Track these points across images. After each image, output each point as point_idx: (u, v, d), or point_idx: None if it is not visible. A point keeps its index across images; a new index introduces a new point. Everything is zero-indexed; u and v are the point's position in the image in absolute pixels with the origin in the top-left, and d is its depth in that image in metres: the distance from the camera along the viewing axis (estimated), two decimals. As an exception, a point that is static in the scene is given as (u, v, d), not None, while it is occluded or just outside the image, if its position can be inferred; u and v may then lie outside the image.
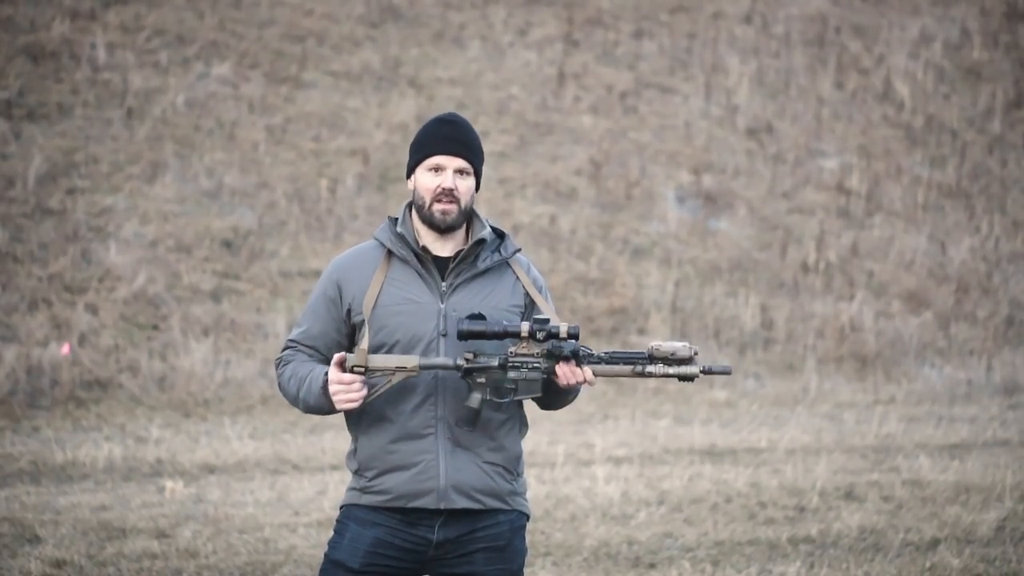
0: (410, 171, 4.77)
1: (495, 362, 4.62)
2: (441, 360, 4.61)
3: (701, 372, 4.63)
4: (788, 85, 23.72)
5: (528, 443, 12.36)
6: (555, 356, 4.62)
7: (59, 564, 8.62)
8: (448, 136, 4.73)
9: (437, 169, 4.70)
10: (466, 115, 20.93)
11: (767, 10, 24.92)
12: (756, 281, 19.94)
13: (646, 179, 21.23)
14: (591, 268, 19.38)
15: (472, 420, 4.64)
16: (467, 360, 4.61)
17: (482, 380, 4.62)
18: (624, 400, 16.47)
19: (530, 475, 11.63)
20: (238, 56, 20.81)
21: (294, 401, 4.75)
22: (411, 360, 4.60)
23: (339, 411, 4.66)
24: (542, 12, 23.65)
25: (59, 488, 11.26)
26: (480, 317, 4.61)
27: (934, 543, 9.29)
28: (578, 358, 4.63)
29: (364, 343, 4.62)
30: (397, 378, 4.62)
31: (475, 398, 4.62)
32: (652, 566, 8.88)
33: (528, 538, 9.42)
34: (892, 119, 23.74)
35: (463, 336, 4.58)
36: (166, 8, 21.10)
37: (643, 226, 20.48)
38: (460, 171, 4.72)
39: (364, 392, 4.61)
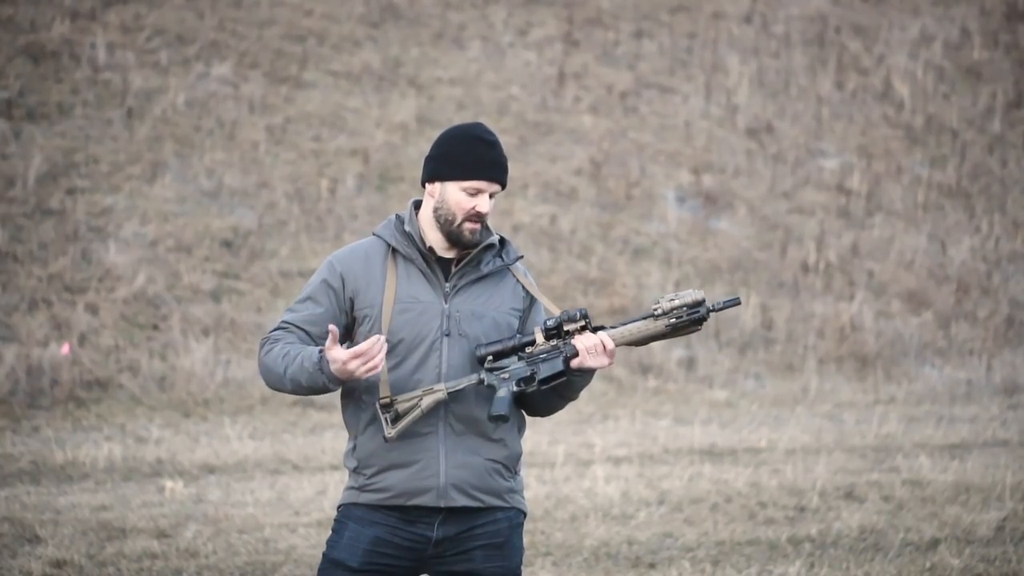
0: (436, 178, 4.72)
1: (515, 362, 4.65)
2: (466, 380, 4.62)
3: (712, 310, 4.64)
4: (788, 85, 23.72)
5: (528, 443, 12.36)
6: (570, 333, 4.64)
7: (59, 564, 8.62)
8: (494, 162, 4.71)
9: (475, 191, 4.70)
10: (466, 115, 20.96)
11: (767, 10, 24.92)
12: (756, 281, 19.93)
13: (646, 179, 21.23)
14: (591, 268, 19.38)
15: (504, 418, 4.62)
16: (488, 362, 4.62)
17: (505, 376, 4.63)
18: (624, 400, 16.47)
19: (530, 475, 11.63)
20: (238, 56, 20.81)
21: (279, 380, 4.65)
22: (439, 387, 4.62)
23: (334, 390, 4.61)
24: (542, 12, 23.64)
25: (59, 488, 11.26)
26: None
27: (934, 543, 9.29)
28: (588, 322, 4.65)
29: (383, 372, 4.59)
30: (425, 403, 4.61)
31: (502, 401, 4.61)
32: (652, 566, 8.88)
33: (528, 538, 9.44)
34: (892, 119, 23.73)
35: (483, 360, 4.62)
36: (166, 8, 21.10)
37: (643, 226, 20.47)
38: (492, 193, 4.73)
39: (384, 352, 4.55)
